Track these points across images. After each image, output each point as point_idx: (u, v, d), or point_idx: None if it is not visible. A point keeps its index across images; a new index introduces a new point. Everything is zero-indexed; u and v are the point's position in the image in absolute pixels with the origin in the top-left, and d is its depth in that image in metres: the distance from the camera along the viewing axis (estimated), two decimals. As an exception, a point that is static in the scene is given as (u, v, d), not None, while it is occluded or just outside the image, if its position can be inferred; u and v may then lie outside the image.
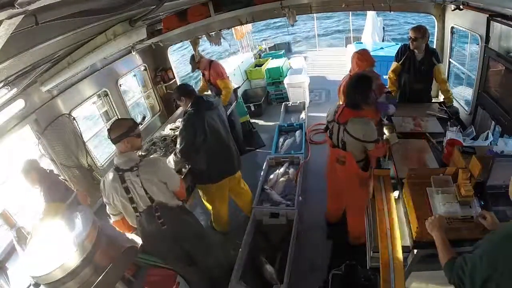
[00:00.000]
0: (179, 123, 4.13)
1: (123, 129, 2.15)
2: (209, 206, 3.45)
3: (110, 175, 2.17)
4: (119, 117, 4.09)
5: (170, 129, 4.10)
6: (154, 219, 2.24)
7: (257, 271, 2.93)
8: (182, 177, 3.12)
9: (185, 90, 2.93)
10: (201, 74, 4.67)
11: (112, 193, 2.18)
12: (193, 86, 3.18)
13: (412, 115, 3.21)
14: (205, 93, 4.62)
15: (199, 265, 2.64)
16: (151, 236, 2.33)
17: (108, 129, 2.20)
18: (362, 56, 3.06)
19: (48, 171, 2.87)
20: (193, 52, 4.48)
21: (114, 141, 2.15)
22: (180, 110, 4.48)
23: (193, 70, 4.58)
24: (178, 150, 2.89)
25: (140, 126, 2.54)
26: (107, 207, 2.30)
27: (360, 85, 2.45)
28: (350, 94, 2.48)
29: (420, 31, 3.19)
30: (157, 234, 2.30)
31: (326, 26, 16.19)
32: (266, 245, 3.22)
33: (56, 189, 2.72)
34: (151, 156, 3.50)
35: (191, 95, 2.90)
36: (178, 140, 2.89)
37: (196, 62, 4.39)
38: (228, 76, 4.63)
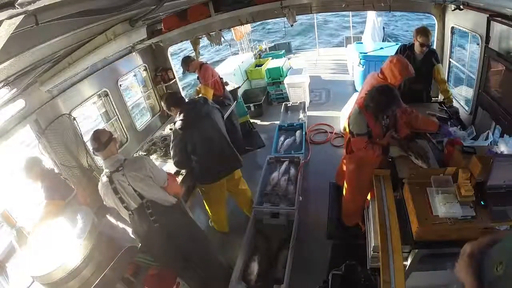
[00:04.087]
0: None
1: (107, 135, 2.27)
2: (208, 209, 3.46)
3: (102, 180, 2.25)
4: (119, 118, 4.10)
5: (170, 129, 4.11)
6: (146, 216, 2.27)
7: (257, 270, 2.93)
8: (183, 177, 3.12)
9: (173, 99, 2.93)
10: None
11: (106, 196, 2.26)
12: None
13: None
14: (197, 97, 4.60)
15: (195, 266, 2.63)
16: (144, 234, 2.35)
17: (93, 139, 2.25)
18: (406, 66, 2.82)
19: (48, 169, 2.88)
20: (184, 56, 4.54)
21: (104, 145, 2.23)
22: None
23: (183, 73, 4.61)
24: (174, 163, 2.98)
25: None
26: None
27: (378, 99, 2.40)
28: (370, 95, 2.45)
29: (431, 37, 3.20)
30: (150, 232, 2.31)
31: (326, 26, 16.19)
32: (266, 245, 3.22)
33: (57, 187, 2.73)
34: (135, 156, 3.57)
35: (180, 104, 2.90)
36: (171, 153, 2.93)
37: (186, 65, 4.43)
38: (222, 78, 4.68)
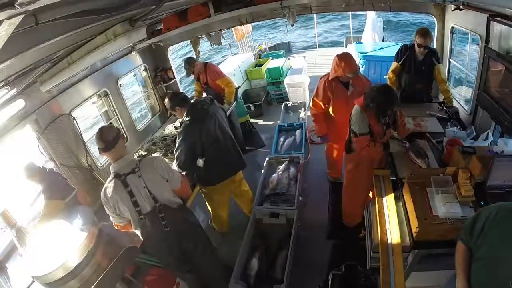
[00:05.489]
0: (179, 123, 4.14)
1: (115, 132, 2.11)
2: (210, 207, 3.46)
3: (111, 184, 2.09)
4: (119, 118, 4.11)
5: (175, 127, 4.12)
6: (158, 221, 2.21)
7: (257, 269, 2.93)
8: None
9: (178, 99, 2.80)
10: (195, 78, 4.58)
11: (117, 201, 2.11)
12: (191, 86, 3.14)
13: (412, 115, 3.21)
14: (203, 97, 4.57)
15: (198, 267, 2.62)
16: (154, 239, 2.30)
17: (99, 137, 2.07)
18: (340, 61, 2.93)
19: (47, 169, 2.88)
20: (185, 57, 4.49)
21: (112, 143, 2.05)
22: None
23: (188, 75, 4.49)
24: (178, 164, 2.86)
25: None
26: (112, 218, 2.23)
27: (379, 100, 2.40)
28: (370, 96, 2.45)
29: (431, 39, 3.21)
30: (160, 236, 2.28)
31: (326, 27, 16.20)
32: (266, 245, 3.22)
33: (56, 187, 2.73)
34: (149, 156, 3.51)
35: (185, 104, 2.80)
36: (176, 154, 2.84)
37: (191, 66, 4.31)
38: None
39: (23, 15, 1.04)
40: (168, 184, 2.25)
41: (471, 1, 2.83)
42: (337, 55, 3.00)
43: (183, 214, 2.40)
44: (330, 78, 3.09)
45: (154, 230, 2.23)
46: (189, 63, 4.32)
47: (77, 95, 3.51)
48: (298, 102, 5.85)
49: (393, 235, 2.09)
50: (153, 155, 3.68)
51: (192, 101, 2.97)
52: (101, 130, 2.14)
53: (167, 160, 3.52)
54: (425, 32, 3.20)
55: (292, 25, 4.24)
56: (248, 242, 3.11)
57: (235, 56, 7.92)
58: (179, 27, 3.76)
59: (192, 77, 4.61)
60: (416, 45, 3.27)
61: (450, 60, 3.94)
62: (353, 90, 3.10)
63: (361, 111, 2.53)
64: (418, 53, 3.31)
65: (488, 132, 2.83)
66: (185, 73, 4.52)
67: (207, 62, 4.52)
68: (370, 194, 2.93)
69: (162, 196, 2.21)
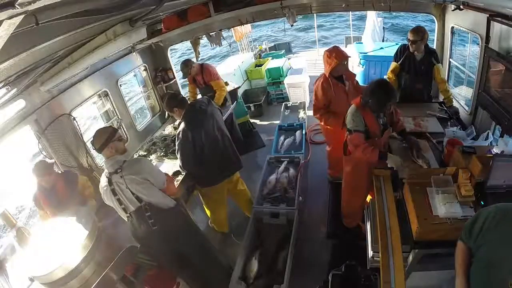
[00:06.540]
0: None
1: (105, 136, 2.19)
2: (208, 210, 3.46)
3: (102, 180, 2.24)
4: (119, 118, 4.11)
5: (174, 127, 4.12)
6: (144, 219, 2.25)
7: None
8: (182, 177, 3.12)
9: (176, 100, 2.83)
10: (190, 81, 4.56)
11: (105, 196, 2.26)
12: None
13: (412, 115, 3.21)
14: (198, 98, 4.53)
15: (195, 267, 2.62)
16: (143, 237, 2.33)
17: (91, 141, 2.25)
18: (330, 53, 3.03)
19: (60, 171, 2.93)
20: (184, 59, 4.47)
21: (100, 149, 2.19)
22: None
23: (185, 77, 4.47)
24: (181, 166, 2.91)
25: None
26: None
27: (378, 93, 2.39)
28: (368, 91, 2.44)
29: (419, 34, 3.17)
30: (149, 235, 2.30)
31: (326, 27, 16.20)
32: (266, 245, 3.22)
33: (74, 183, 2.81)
34: (136, 157, 3.57)
35: (183, 105, 2.82)
36: (178, 156, 2.86)
37: (188, 68, 4.31)
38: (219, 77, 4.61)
39: (23, 15, 1.04)
40: (151, 185, 2.25)
41: (471, 1, 2.83)
42: (325, 51, 3.10)
43: (174, 216, 2.39)
44: (327, 75, 3.10)
45: (141, 228, 2.28)
46: (187, 66, 4.32)
47: (77, 95, 3.51)
48: (298, 102, 5.84)
49: (393, 235, 2.08)
50: (153, 155, 3.69)
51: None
52: (95, 133, 2.25)
53: (166, 160, 3.55)
54: (415, 28, 3.22)
55: (291, 25, 4.24)
56: (248, 242, 3.11)
57: (235, 56, 7.93)
58: (179, 27, 3.76)
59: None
60: (409, 43, 3.28)
61: (450, 60, 3.94)
62: (349, 85, 3.15)
63: (356, 110, 2.52)
64: (412, 50, 3.30)
65: (488, 132, 2.82)
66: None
67: (203, 63, 4.53)
68: (369, 196, 2.94)
69: (147, 196, 2.23)
